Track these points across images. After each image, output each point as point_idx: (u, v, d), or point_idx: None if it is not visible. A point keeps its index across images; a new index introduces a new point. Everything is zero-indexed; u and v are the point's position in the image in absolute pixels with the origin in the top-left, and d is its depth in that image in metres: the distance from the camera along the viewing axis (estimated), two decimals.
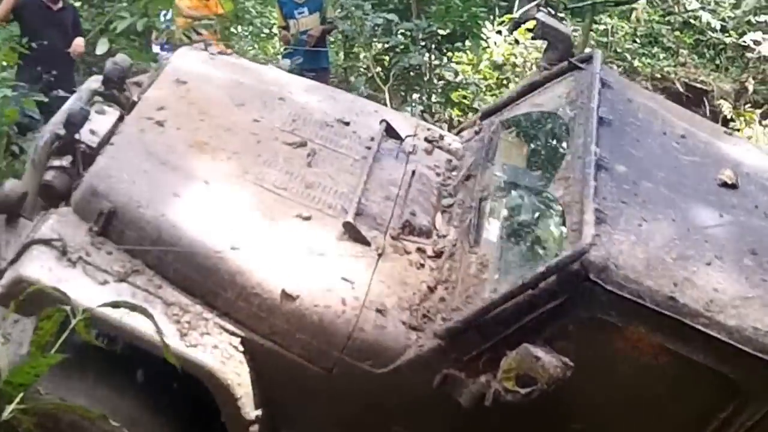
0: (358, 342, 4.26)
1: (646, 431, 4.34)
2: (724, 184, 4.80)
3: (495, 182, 5.01)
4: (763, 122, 12.32)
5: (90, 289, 4.12)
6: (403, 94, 10.80)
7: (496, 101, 5.95)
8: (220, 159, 4.71)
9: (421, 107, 10.23)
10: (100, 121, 5.00)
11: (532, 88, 5.58)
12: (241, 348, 4.26)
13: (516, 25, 12.83)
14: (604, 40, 13.51)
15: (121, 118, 5.16)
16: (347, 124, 5.32)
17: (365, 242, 4.57)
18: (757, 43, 12.56)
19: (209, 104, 5.06)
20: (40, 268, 4.12)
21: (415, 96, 10.73)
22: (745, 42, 12.88)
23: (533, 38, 6.89)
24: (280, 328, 4.28)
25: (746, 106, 12.76)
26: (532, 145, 5.30)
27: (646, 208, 4.40)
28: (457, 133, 5.86)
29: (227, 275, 4.27)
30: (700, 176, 4.83)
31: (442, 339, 4.19)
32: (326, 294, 4.30)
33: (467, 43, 11.30)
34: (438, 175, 5.22)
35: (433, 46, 10.77)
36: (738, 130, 11.72)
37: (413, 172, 5.12)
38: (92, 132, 4.90)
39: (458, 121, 10.70)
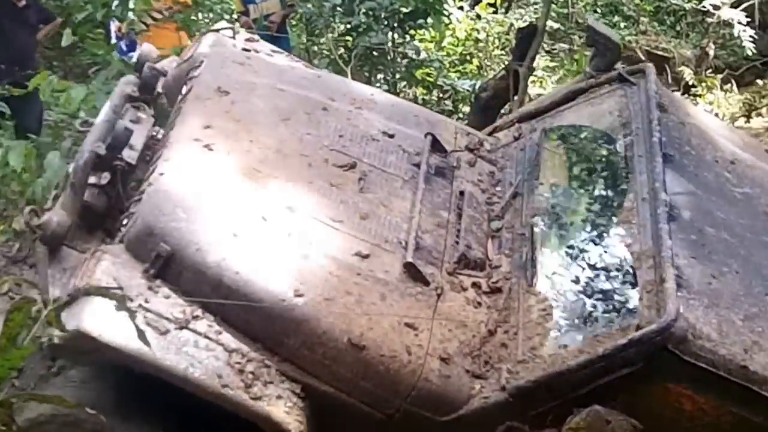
0: (422, 392, 4.21)
1: None
2: None
3: (545, 206, 4.90)
4: (724, 87, 12.42)
5: (153, 341, 3.95)
6: (366, 74, 10.66)
7: (537, 104, 5.73)
8: (274, 189, 4.51)
9: (385, 87, 10.13)
10: (136, 131, 4.76)
11: (576, 94, 5.44)
12: (302, 395, 4.17)
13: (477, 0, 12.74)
14: (565, 11, 13.45)
15: (154, 123, 4.95)
16: (392, 136, 5.13)
17: (425, 282, 4.46)
18: (716, 7, 12.47)
19: (255, 121, 4.82)
20: (101, 322, 3.92)
21: (380, 76, 10.67)
22: (704, 7, 12.75)
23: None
24: (343, 376, 4.20)
25: (707, 71, 12.90)
26: (581, 165, 5.16)
27: (712, 260, 4.39)
28: (491, 134, 5.70)
29: (292, 323, 4.15)
30: (753, 212, 4.83)
31: (512, 395, 4.16)
32: (391, 342, 4.21)
33: (429, 20, 11.06)
34: (483, 191, 5.09)
35: (396, 24, 10.58)
36: (699, 95, 11.83)
37: (461, 193, 4.98)
38: (130, 147, 4.68)
39: (422, 99, 10.63)
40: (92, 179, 4.56)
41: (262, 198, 4.47)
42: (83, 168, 4.49)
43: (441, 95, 11.38)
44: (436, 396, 4.22)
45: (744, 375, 4.04)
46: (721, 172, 4.94)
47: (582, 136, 5.25)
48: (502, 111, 9.75)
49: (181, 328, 4.06)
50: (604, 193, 4.91)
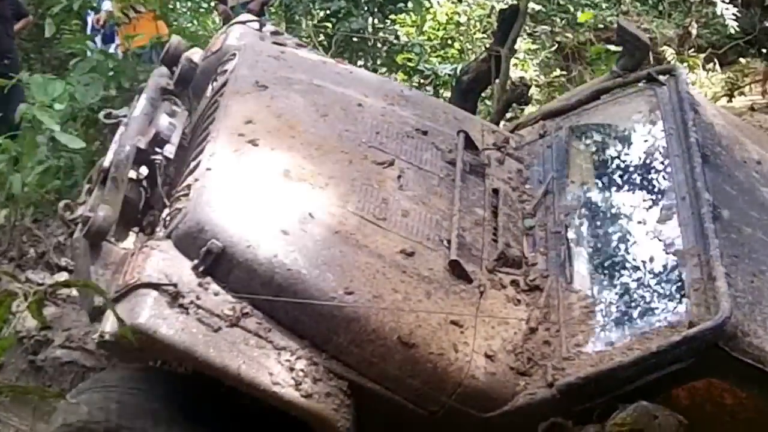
0: (468, 389, 4.23)
1: None
2: None
3: (577, 204, 4.94)
4: (707, 66, 12.47)
5: (207, 338, 3.94)
6: (347, 61, 10.52)
7: (561, 102, 5.76)
8: (319, 186, 4.51)
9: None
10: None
11: (602, 93, 5.48)
12: (349, 392, 4.16)
13: None
14: None
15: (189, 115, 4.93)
16: (425, 133, 5.16)
17: (468, 279, 4.48)
18: None
19: (295, 116, 4.83)
20: (156, 317, 3.88)
21: (360, 63, 10.57)
22: None
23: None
24: (391, 374, 4.20)
25: (689, 51, 12.89)
26: (612, 164, 5.20)
27: (752, 258, 4.45)
28: (513, 130, 5.73)
29: (343, 321, 4.14)
30: None
31: (560, 392, 4.18)
32: (439, 340, 4.23)
33: (410, 4, 11.07)
34: (513, 189, 5.12)
35: (376, 9, 10.58)
36: None
37: (495, 191, 5.01)
38: None
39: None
40: (133, 175, 4.53)
41: (307, 194, 4.46)
42: (125, 162, 4.45)
43: (422, 80, 11.36)
44: (482, 393, 4.24)
45: None
46: (750, 172, 5.02)
47: (611, 134, 5.29)
48: (483, 95, 9.75)
49: (232, 325, 4.02)
50: (637, 192, 4.94)
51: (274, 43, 5.39)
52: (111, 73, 7.19)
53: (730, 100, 11.96)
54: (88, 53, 7.88)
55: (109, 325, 3.94)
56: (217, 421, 4.23)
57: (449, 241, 4.59)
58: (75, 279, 3.96)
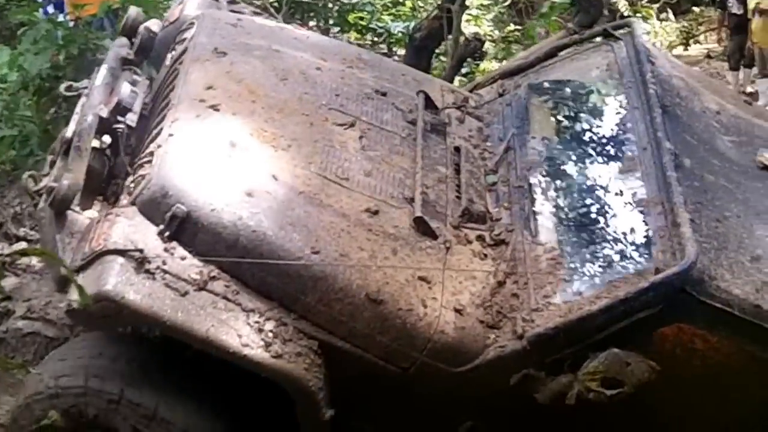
0: (438, 344, 4.23)
1: (714, 420, 4.50)
2: (765, 167, 4.95)
3: (538, 158, 4.96)
4: (661, 16, 12.47)
5: (174, 302, 3.91)
6: (299, 21, 10.53)
7: (519, 61, 5.79)
8: (282, 148, 4.50)
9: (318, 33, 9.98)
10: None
11: (559, 50, 5.51)
12: (319, 351, 4.15)
13: None
14: None
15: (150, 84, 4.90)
16: (384, 95, 5.18)
17: (434, 236, 4.49)
18: None
19: (256, 81, 4.82)
20: (123, 283, 3.85)
21: (312, 23, 10.53)
22: None
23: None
24: (360, 332, 4.20)
25: (643, 1, 12.86)
26: (572, 118, 5.23)
27: (715, 205, 4.51)
28: (472, 90, 5.75)
29: (309, 281, 4.14)
30: (743, 160, 4.96)
31: (530, 343, 4.20)
32: (407, 296, 4.23)
33: None
34: (474, 147, 5.14)
35: None
36: None
37: (456, 149, 5.03)
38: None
39: (357, 43, 10.56)
40: (96, 144, 4.50)
41: (270, 156, 4.45)
42: (88, 131, 4.43)
43: (375, 39, 11.29)
44: (452, 347, 4.25)
45: (758, 314, 4.18)
46: (709, 121, 5.07)
47: (570, 89, 5.32)
48: (438, 51, 9.72)
49: (200, 289, 4.00)
50: (598, 144, 4.97)
51: (231, 11, 5.38)
52: (60, 42, 7.10)
53: (686, 49, 12.01)
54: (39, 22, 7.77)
55: (76, 293, 3.91)
56: (187, 383, 4.22)
57: (413, 199, 4.61)
58: (41, 249, 3.89)
